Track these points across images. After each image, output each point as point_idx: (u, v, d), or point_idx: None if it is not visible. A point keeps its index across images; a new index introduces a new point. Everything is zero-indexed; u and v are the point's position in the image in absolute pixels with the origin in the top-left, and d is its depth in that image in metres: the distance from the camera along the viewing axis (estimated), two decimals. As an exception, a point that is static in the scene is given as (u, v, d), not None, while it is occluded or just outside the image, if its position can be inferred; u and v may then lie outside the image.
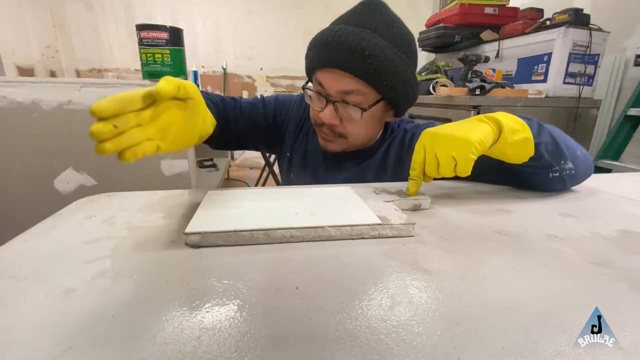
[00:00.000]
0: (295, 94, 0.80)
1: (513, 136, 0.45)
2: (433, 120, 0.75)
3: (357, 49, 0.54)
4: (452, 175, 0.44)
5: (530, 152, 0.47)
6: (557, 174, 0.50)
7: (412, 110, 1.82)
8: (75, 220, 0.41)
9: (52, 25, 2.87)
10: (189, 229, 0.34)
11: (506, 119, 0.46)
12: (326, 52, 0.56)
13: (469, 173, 0.43)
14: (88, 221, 0.41)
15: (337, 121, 0.61)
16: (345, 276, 0.29)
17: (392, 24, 0.58)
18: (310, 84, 0.65)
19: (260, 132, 0.74)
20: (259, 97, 0.78)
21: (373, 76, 0.56)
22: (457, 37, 1.98)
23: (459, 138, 0.43)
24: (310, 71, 0.63)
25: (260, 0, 3.15)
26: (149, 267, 0.30)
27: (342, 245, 0.35)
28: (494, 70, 1.69)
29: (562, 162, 0.49)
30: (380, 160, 0.69)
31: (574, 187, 0.56)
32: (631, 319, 0.24)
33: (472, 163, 0.43)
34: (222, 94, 0.80)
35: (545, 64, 1.59)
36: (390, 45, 0.56)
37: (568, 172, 0.50)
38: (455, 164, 0.43)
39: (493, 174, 0.56)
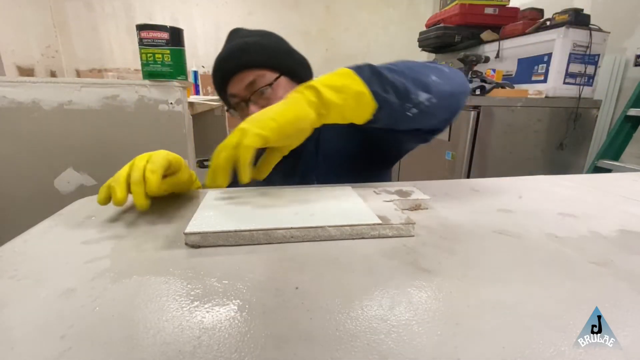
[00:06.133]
0: None
1: (339, 95, 0.41)
2: None
3: (236, 50, 0.66)
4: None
5: (370, 103, 0.42)
6: (416, 110, 0.45)
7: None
8: (75, 220, 0.41)
9: (52, 25, 2.87)
10: (189, 229, 0.34)
11: (327, 79, 0.42)
12: (221, 70, 0.68)
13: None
14: (88, 221, 0.41)
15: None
16: (345, 276, 0.29)
17: (253, 31, 0.71)
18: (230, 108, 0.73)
19: None
20: None
21: (259, 58, 0.66)
22: (457, 37, 1.98)
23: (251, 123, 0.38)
24: (222, 94, 0.72)
25: (260, 0, 3.15)
26: (149, 267, 0.30)
27: (342, 245, 0.35)
28: (494, 70, 1.69)
29: (412, 96, 0.44)
30: (313, 151, 0.72)
31: (573, 187, 0.56)
32: (631, 319, 0.24)
33: (251, 151, 0.37)
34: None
35: (545, 64, 1.59)
36: (258, 38, 0.68)
37: (426, 103, 0.45)
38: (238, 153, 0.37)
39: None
